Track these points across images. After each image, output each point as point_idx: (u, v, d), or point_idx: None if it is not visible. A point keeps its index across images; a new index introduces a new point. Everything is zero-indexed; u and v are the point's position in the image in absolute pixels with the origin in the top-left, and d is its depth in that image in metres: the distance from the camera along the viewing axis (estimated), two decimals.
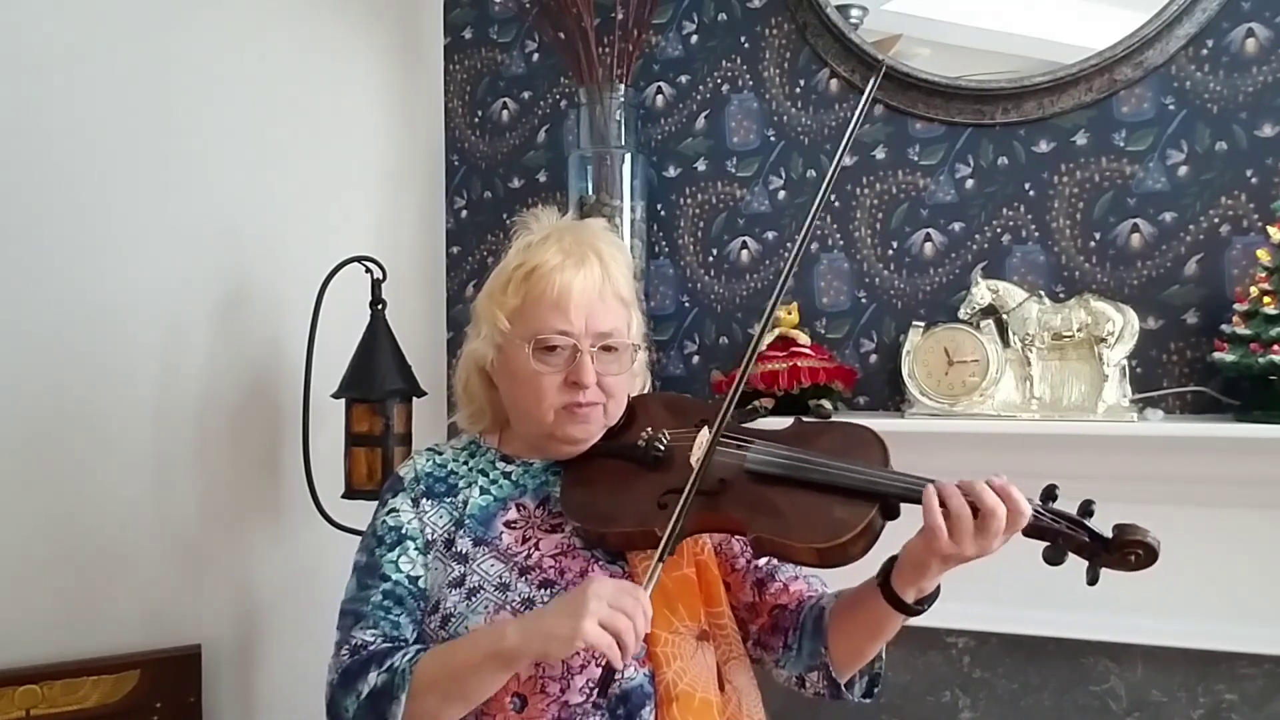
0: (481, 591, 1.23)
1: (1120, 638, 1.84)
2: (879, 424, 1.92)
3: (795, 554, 1.19)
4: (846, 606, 1.24)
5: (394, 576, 1.27)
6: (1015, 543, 1.13)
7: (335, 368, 2.07)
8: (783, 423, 1.34)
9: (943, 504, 1.11)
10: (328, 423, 2.10)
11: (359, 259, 2.09)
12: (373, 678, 1.17)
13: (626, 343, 1.33)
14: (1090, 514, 1.13)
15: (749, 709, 1.29)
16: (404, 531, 1.30)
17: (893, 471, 1.20)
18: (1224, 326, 1.75)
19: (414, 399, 2.10)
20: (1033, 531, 1.13)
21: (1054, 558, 1.12)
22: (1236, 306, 1.73)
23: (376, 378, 2.05)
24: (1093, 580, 1.12)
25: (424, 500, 1.32)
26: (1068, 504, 1.15)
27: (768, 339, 2.04)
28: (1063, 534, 1.12)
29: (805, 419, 1.35)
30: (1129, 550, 1.10)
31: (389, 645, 1.22)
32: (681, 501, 1.17)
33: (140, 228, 2.01)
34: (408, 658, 1.17)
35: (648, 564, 1.24)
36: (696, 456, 1.25)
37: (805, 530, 1.17)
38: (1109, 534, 1.11)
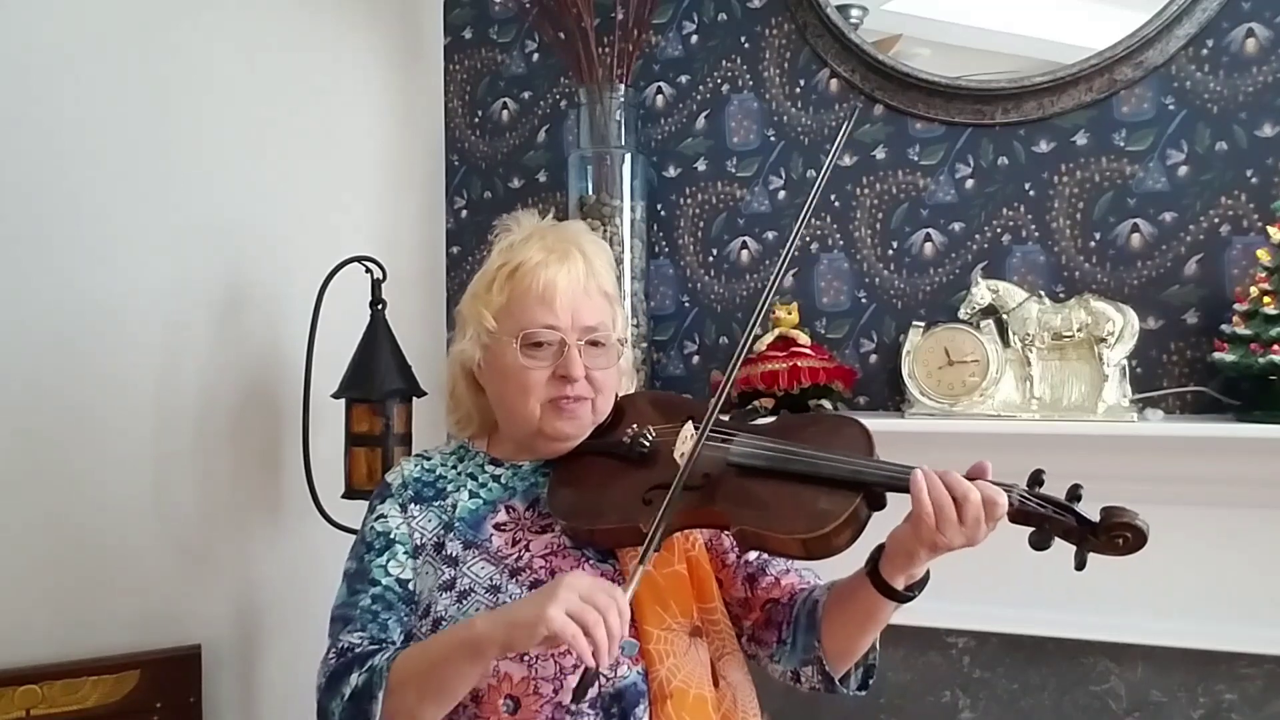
0: (472, 594, 1.24)
1: (1120, 638, 1.84)
2: (879, 424, 1.93)
3: (779, 545, 1.18)
4: (838, 599, 1.24)
5: (383, 581, 1.27)
6: (1014, 542, 1.12)
7: (335, 368, 2.07)
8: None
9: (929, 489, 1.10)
10: (328, 423, 2.10)
11: (359, 259, 2.09)
12: (354, 679, 1.17)
13: (612, 337, 1.34)
14: (1078, 499, 1.11)
15: (744, 704, 1.29)
16: (392, 536, 1.30)
17: (877, 460, 1.19)
18: (1224, 326, 1.75)
19: (414, 399, 2.10)
20: (1019, 517, 1.11)
21: (1040, 542, 1.09)
22: (1236, 306, 1.73)
23: (376, 378, 2.05)
24: (1080, 565, 1.09)
25: (412, 505, 1.33)
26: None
27: (768, 338, 2.04)
28: (1049, 518, 1.10)
29: (791, 413, 1.34)
30: (1117, 533, 1.07)
31: (374, 647, 1.21)
32: (666, 500, 1.15)
33: (140, 227, 2.01)
34: (386, 656, 1.17)
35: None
36: (681, 452, 1.23)
37: (789, 521, 1.15)
38: (1096, 517, 1.09)
